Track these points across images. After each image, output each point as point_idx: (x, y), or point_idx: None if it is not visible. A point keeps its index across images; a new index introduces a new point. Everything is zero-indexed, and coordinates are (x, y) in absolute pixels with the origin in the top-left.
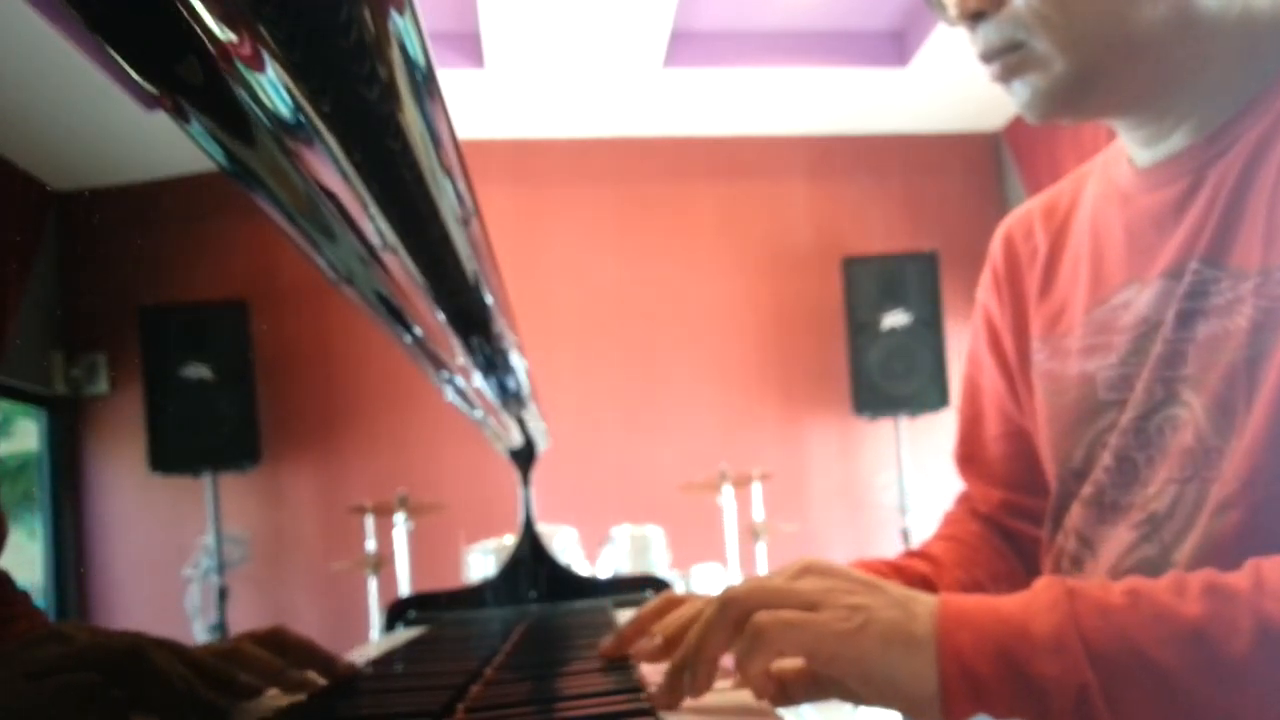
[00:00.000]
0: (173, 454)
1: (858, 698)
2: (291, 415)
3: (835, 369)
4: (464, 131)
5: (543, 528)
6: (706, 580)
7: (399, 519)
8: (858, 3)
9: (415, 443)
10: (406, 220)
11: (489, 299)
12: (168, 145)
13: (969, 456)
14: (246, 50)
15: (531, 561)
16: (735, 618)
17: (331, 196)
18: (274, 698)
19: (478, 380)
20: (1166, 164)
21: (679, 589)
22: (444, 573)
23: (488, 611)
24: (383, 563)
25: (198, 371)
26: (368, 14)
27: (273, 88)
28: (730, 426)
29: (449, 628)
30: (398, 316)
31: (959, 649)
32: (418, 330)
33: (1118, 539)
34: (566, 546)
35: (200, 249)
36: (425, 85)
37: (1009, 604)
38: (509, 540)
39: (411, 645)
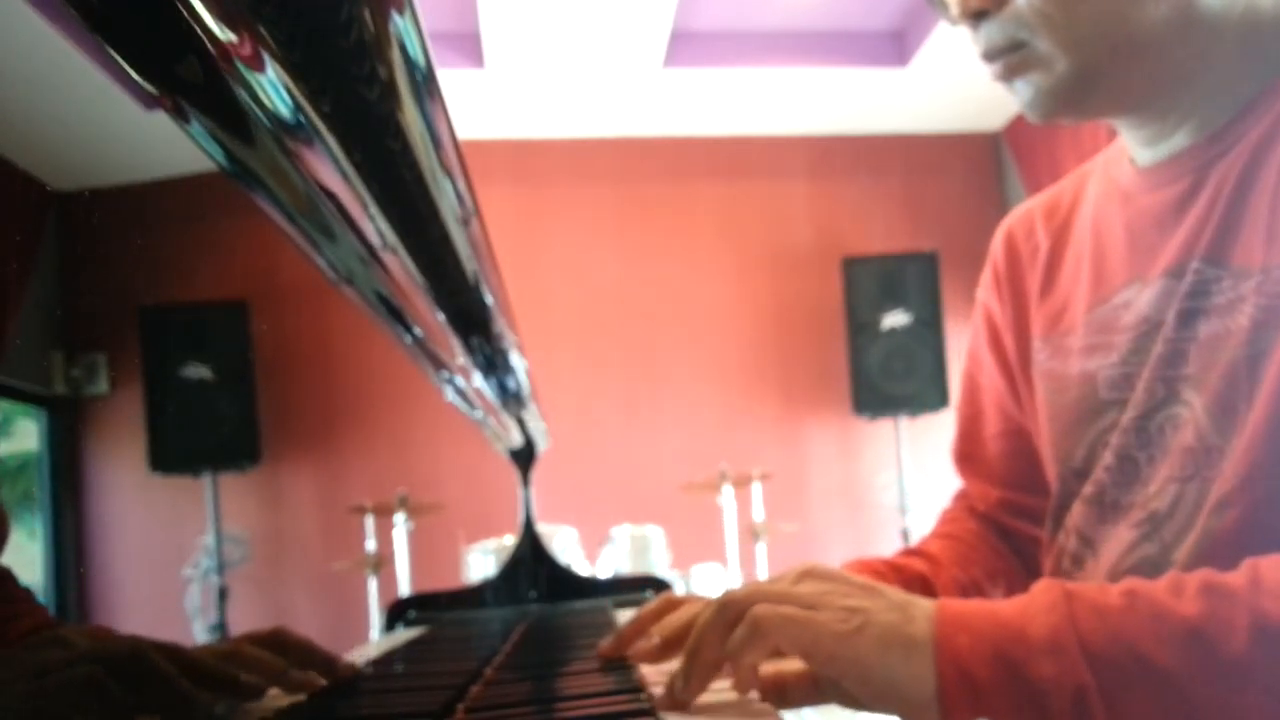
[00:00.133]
0: (173, 454)
1: (857, 703)
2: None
3: (835, 369)
4: (464, 131)
5: (543, 528)
6: (706, 580)
7: (399, 519)
8: (858, 3)
9: (415, 443)
10: (406, 220)
11: (489, 299)
12: (168, 145)
13: (967, 454)
14: (246, 50)
15: (531, 561)
16: (733, 619)
17: (331, 196)
18: (274, 698)
19: (478, 380)
20: (1168, 163)
21: (679, 589)
22: (444, 573)
23: (488, 611)
24: (383, 563)
25: (198, 371)
26: (368, 14)
27: (273, 88)
28: (730, 426)
29: (449, 628)
30: (398, 316)
31: (957, 652)
32: (418, 330)
33: (1118, 538)
34: (566, 546)
35: (200, 249)
36: (425, 85)
37: (1007, 607)
38: (509, 540)
39: (411, 645)
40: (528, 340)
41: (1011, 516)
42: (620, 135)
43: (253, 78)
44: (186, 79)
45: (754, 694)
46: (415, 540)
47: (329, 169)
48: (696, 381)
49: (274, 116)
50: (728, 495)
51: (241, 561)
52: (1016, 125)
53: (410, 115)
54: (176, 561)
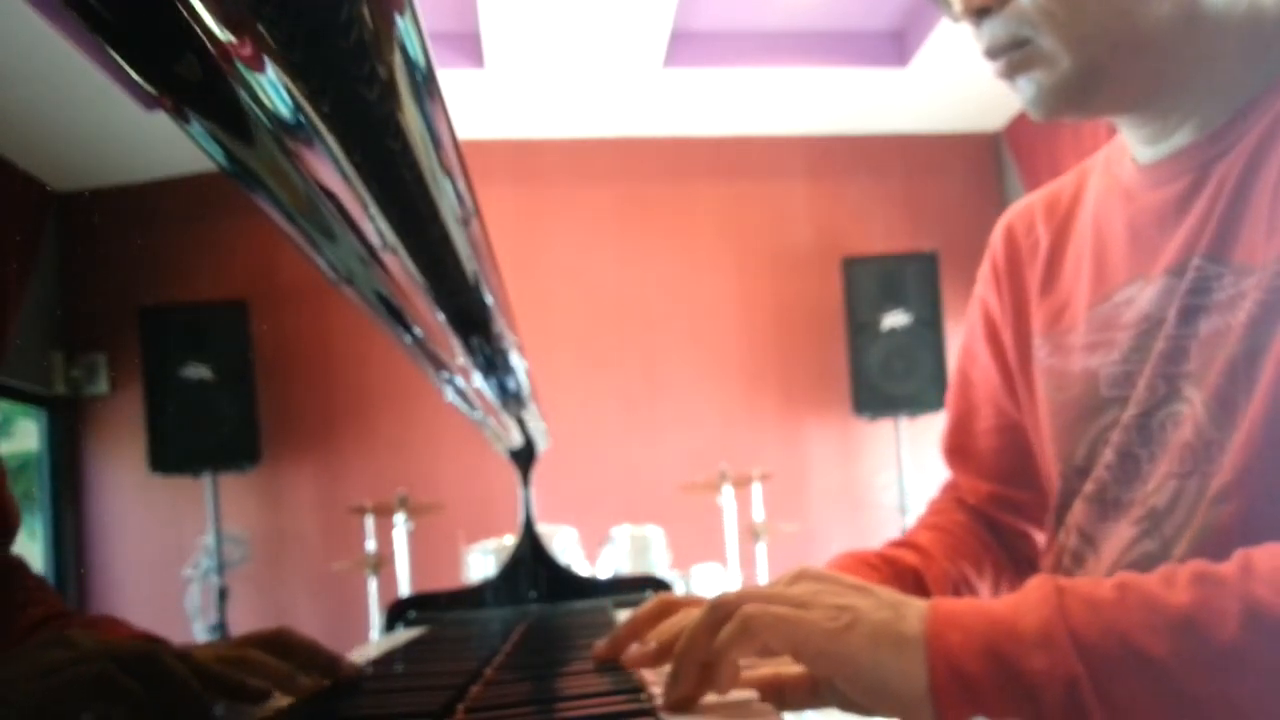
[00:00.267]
0: (173, 454)
1: (856, 707)
2: (291, 415)
3: (835, 369)
4: (464, 131)
5: (543, 528)
6: (706, 580)
7: (399, 519)
8: (858, 3)
9: (415, 443)
10: (406, 220)
11: (489, 299)
12: (168, 145)
13: (958, 448)
14: (246, 50)
15: (531, 561)
16: (723, 619)
17: (331, 196)
18: (274, 697)
19: (478, 380)
20: (1170, 161)
21: (679, 589)
22: (444, 573)
23: (488, 611)
24: (383, 563)
25: (198, 371)
26: (368, 14)
27: (273, 88)
28: (730, 426)
29: (449, 628)
30: (398, 316)
31: (948, 648)
32: (418, 330)
33: (1119, 535)
34: (566, 546)
35: (200, 249)
36: (425, 85)
37: (1000, 604)
38: (509, 540)
39: (411, 645)
40: (528, 340)
41: (1001, 510)
42: (620, 135)
43: (253, 78)
44: (186, 79)
45: (754, 694)
46: (415, 540)
47: (329, 169)
48: (696, 381)
49: (274, 116)
50: (728, 495)
51: (241, 561)
52: (1016, 125)
53: (410, 115)
54: (176, 561)
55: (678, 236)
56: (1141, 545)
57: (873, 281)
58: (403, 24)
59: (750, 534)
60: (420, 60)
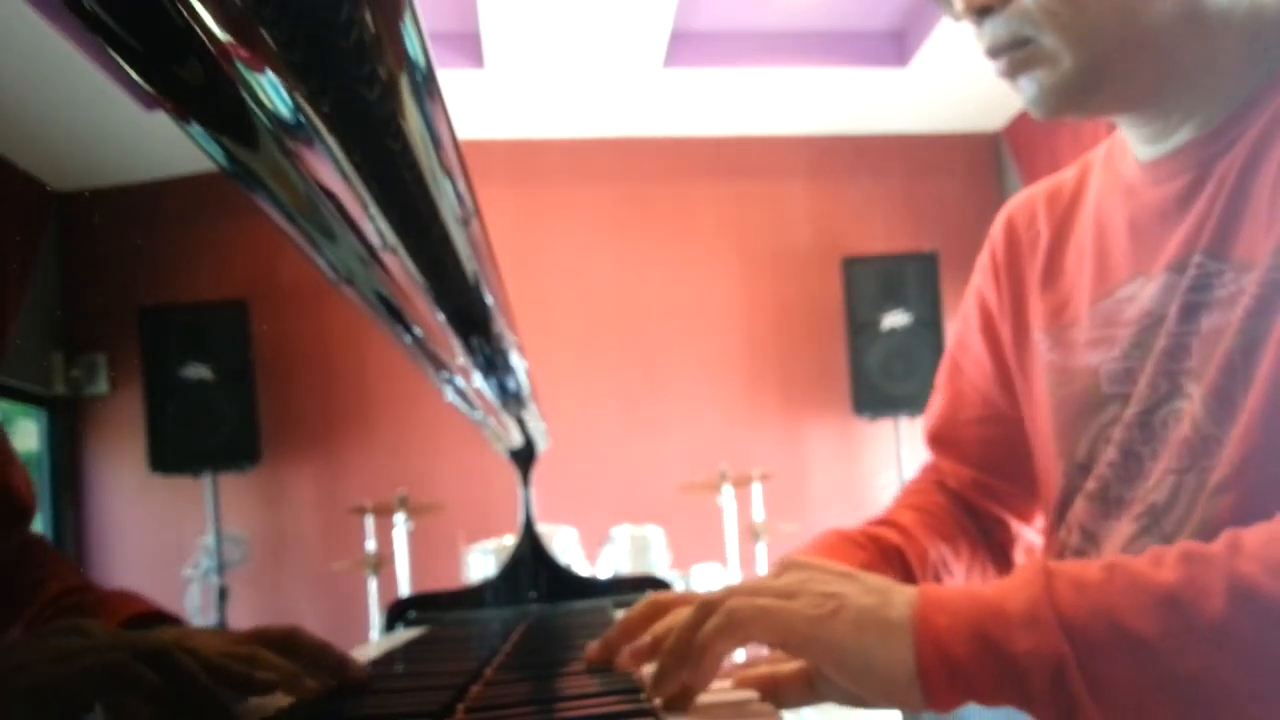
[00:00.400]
0: (173, 454)
1: (854, 699)
2: (291, 415)
3: (835, 369)
4: (464, 131)
5: (543, 528)
6: (706, 580)
7: (399, 519)
8: (858, 3)
9: (415, 443)
10: (406, 220)
11: (489, 299)
12: (168, 145)
13: (943, 435)
14: (246, 51)
15: (531, 561)
16: (709, 616)
17: (331, 196)
18: (276, 696)
19: (478, 380)
20: (1171, 158)
21: (679, 589)
22: (444, 573)
23: (488, 611)
24: (383, 563)
25: (198, 371)
26: (368, 14)
27: (273, 88)
28: (730, 426)
29: (449, 628)
30: (398, 316)
31: (936, 632)
32: (418, 330)
33: (1120, 533)
34: (566, 546)
35: (200, 249)
36: (425, 85)
37: (988, 588)
38: (509, 540)
39: (411, 645)
40: (528, 340)
41: (982, 497)
42: (620, 135)
43: (253, 78)
44: (186, 79)
45: (754, 694)
46: (415, 540)
47: (329, 169)
48: (696, 381)
49: (274, 116)
50: (728, 495)
51: (241, 561)
52: (1016, 125)
53: (410, 115)
54: (176, 561)
55: (678, 236)
56: (1142, 541)
57: (873, 281)
58: (403, 24)
59: (750, 534)
60: (420, 60)
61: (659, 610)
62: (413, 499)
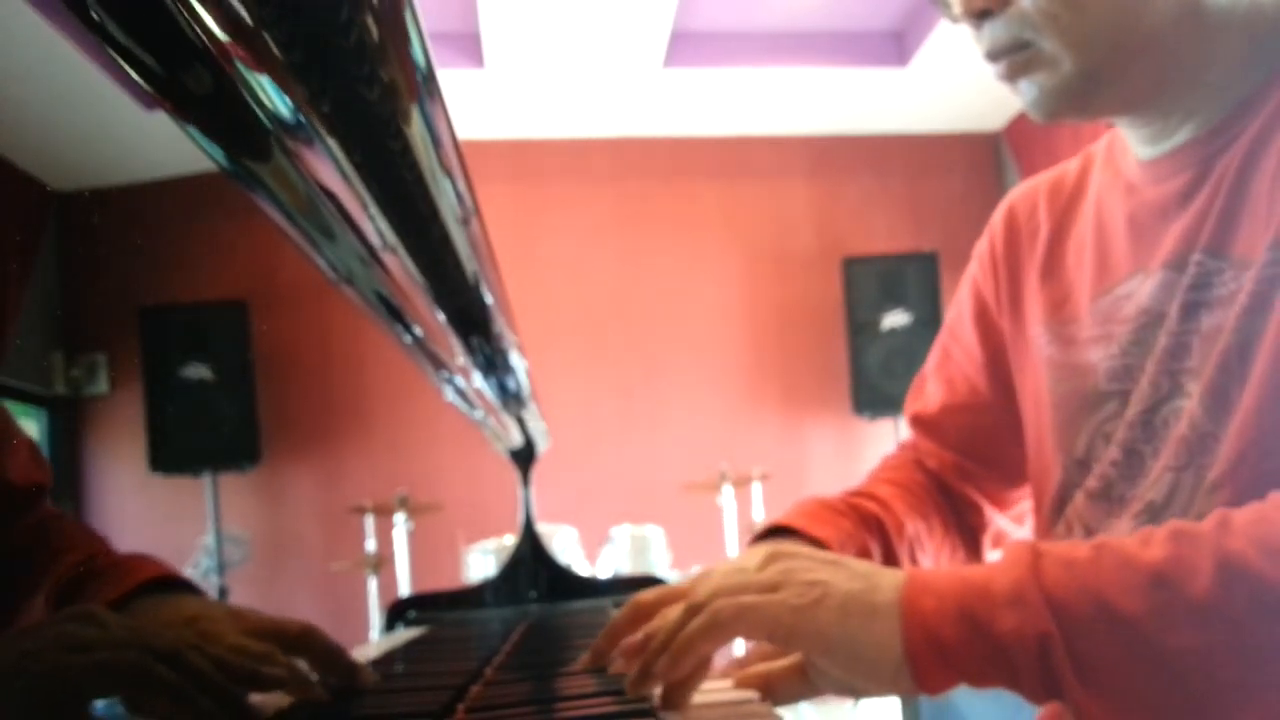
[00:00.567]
0: (173, 454)
1: (850, 688)
2: (291, 415)
3: (835, 369)
4: (464, 131)
5: (543, 528)
6: None
7: (399, 519)
8: (858, 3)
9: (415, 443)
10: (406, 220)
11: (489, 299)
12: (168, 145)
13: (926, 418)
14: (246, 51)
15: (531, 561)
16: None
17: (331, 196)
18: (276, 696)
19: (477, 380)
20: (1171, 156)
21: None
22: (444, 573)
23: (488, 611)
24: (383, 563)
25: (198, 371)
26: (368, 14)
27: (273, 88)
28: (730, 426)
29: (449, 628)
30: (398, 316)
31: (923, 614)
32: (418, 330)
33: (1119, 531)
34: (566, 546)
35: (200, 249)
36: (425, 85)
37: (976, 569)
38: (509, 540)
39: (411, 645)
40: (528, 340)
41: (959, 479)
42: (620, 135)
43: (253, 78)
44: (186, 79)
45: (754, 694)
46: (415, 540)
47: (329, 169)
48: (696, 381)
49: (274, 116)
50: (728, 495)
51: (241, 561)
52: (1017, 125)
53: (410, 115)
54: (176, 561)
55: (678, 236)
56: None
57: (873, 281)
58: (403, 24)
59: (750, 534)
60: (420, 60)
61: (643, 612)
62: (412, 499)
